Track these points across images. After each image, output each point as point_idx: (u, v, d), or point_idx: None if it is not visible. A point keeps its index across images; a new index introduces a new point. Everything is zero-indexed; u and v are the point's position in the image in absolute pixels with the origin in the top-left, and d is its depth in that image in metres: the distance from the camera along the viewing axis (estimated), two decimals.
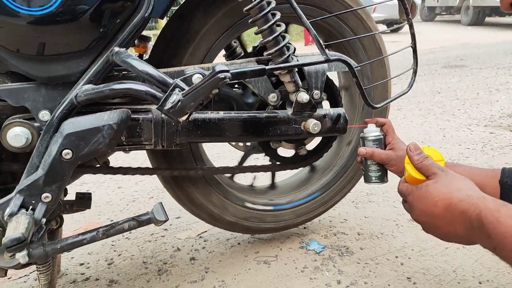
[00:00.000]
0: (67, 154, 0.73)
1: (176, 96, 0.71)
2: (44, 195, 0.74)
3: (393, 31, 8.83)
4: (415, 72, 1.18)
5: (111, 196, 1.76)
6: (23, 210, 0.72)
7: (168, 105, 0.72)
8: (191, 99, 0.69)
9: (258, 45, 1.14)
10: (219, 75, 0.63)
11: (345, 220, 1.45)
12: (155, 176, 1.13)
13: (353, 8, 1.08)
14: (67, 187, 1.06)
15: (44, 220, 0.74)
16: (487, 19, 9.88)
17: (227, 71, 0.64)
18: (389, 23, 8.95)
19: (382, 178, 0.99)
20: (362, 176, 1.01)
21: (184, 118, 0.73)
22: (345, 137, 1.28)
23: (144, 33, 1.00)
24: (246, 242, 1.34)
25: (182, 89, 0.73)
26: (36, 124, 0.77)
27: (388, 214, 1.48)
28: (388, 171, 0.98)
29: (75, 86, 0.76)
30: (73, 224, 1.52)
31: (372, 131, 0.99)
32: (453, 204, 0.61)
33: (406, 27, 1.72)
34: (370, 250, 1.26)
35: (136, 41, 1.08)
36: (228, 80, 0.64)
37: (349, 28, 1.11)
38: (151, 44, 1.13)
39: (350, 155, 1.27)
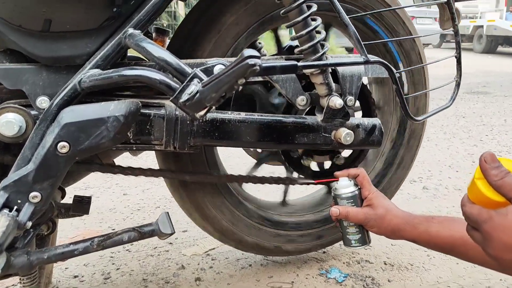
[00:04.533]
0: (63, 147, 0.62)
1: (194, 87, 0.61)
2: (32, 194, 0.63)
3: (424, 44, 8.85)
4: (458, 85, 1.06)
5: (115, 203, 1.65)
6: (5, 210, 0.61)
7: (185, 96, 0.61)
8: (212, 89, 0.58)
9: (286, 46, 1.04)
10: (248, 61, 0.52)
11: (369, 247, 1.30)
12: (163, 184, 1.02)
13: (392, 7, 0.97)
14: (65, 188, 0.95)
15: (29, 223, 0.63)
16: (499, 48, 9.98)
17: (258, 57, 0.53)
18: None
19: (363, 241, 0.87)
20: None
21: (202, 113, 0.62)
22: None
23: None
24: (258, 264, 1.20)
25: (202, 80, 0.62)
26: (33, 112, 0.67)
27: None
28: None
29: (80, 70, 0.66)
30: (71, 231, 1.41)
31: (344, 186, 0.87)
32: None
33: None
34: (399, 284, 1.11)
35: (154, 34, 0.99)
36: (257, 69, 0.54)
37: (387, 30, 1.00)
38: (169, 40, 1.04)
39: (383, 168, 1.14)
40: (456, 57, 1.03)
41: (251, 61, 0.52)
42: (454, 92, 1.05)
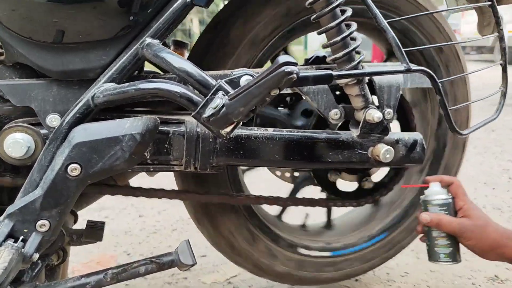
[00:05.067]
0: (74, 169, 0.56)
1: (219, 100, 0.53)
2: (40, 222, 0.56)
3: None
4: (504, 95, 0.96)
5: (130, 225, 1.58)
6: (9, 242, 0.54)
7: (209, 111, 0.54)
8: (241, 103, 0.50)
9: (312, 57, 0.97)
10: (284, 68, 0.45)
11: (406, 274, 1.18)
12: (180, 204, 0.95)
13: (429, 11, 0.89)
14: (78, 212, 0.89)
15: (36, 255, 0.56)
16: None
17: (295, 63, 0.46)
18: None
19: (454, 256, 0.76)
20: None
21: (228, 130, 0.54)
22: None
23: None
24: None
25: (228, 93, 0.55)
26: (42, 131, 0.61)
27: (459, 270, 1.20)
28: (461, 246, 0.76)
29: (93, 85, 0.60)
30: (85, 255, 1.34)
31: (436, 192, 0.78)
32: None
33: None
34: None
35: (172, 47, 0.94)
36: (294, 77, 0.46)
37: (424, 36, 0.92)
38: (187, 54, 0.99)
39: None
40: (501, 64, 0.94)
41: (287, 69, 0.45)
42: (500, 103, 0.95)
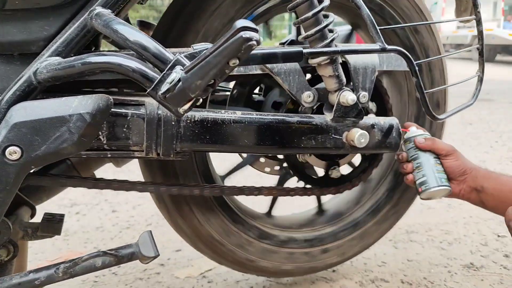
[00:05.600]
0: (13, 152, 0.50)
1: (175, 75, 0.49)
2: None
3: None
4: (480, 80, 0.94)
5: (103, 221, 1.51)
6: None
7: (164, 87, 0.49)
8: (198, 75, 0.46)
9: (287, 40, 0.93)
10: (242, 34, 0.40)
11: (383, 263, 1.16)
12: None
13: None
14: (36, 206, 0.82)
15: None
16: (497, 57, 10.05)
17: (255, 29, 0.41)
18: None
19: (448, 182, 0.79)
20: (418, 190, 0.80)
21: (186, 107, 0.50)
22: None
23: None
24: (260, 286, 1.06)
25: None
26: None
27: (436, 258, 1.19)
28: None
29: (36, 59, 0.54)
30: (53, 252, 1.27)
31: (417, 131, 0.82)
32: None
33: None
34: None
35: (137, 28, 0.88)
36: (254, 44, 0.42)
37: (399, 16, 0.88)
38: None
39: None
40: (478, 49, 0.92)
41: (245, 34, 0.40)
42: (476, 89, 0.94)
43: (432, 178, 0.77)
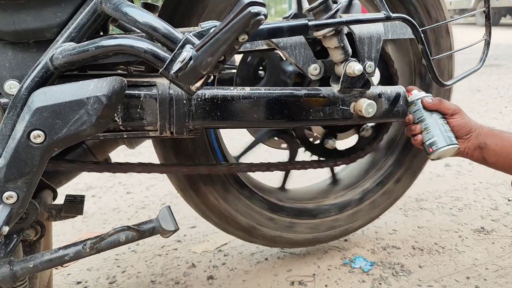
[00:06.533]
0: (37, 136, 0.52)
1: (186, 53, 0.50)
2: (6, 194, 0.53)
3: None
4: (487, 44, 0.93)
5: (118, 202, 1.56)
6: None
7: (176, 66, 0.50)
8: (208, 52, 0.47)
9: (290, 14, 0.93)
10: (250, 9, 0.41)
11: (394, 231, 1.20)
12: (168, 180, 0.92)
13: None
14: (61, 188, 0.86)
15: (5, 228, 0.53)
16: (502, 20, 9.73)
17: (262, 4, 0.42)
18: None
19: (456, 140, 0.80)
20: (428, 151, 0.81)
21: (198, 85, 0.51)
22: None
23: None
24: (275, 257, 1.10)
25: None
26: (1, 100, 0.58)
27: (446, 224, 1.22)
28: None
29: (51, 46, 0.55)
30: (73, 234, 1.32)
31: (421, 93, 0.83)
32: None
33: None
34: (432, 269, 1.00)
35: None
36: (262, 18, 0.43)
37: None
38: None
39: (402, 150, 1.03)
40: (484, 12, 0.91)
41: (254, 9, 0.41)
42: (483, 53, 0.93)
43: (441, 137, 0.78)
